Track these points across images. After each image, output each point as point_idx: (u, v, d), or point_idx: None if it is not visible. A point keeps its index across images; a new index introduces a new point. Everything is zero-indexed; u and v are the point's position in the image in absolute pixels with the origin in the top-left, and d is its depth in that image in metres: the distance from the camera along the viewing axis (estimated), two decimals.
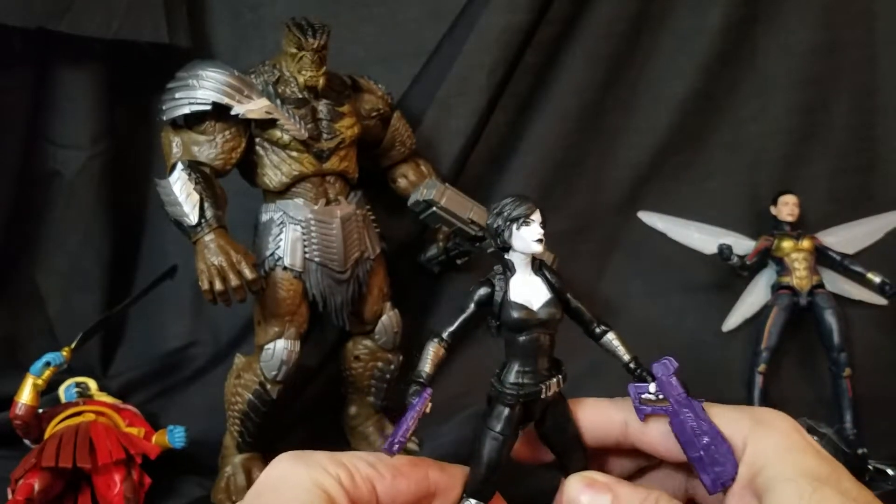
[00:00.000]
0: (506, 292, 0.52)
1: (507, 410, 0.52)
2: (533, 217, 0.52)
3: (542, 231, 0.52)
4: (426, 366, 0.51)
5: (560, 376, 0.53)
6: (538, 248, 0.52)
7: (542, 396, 0.52)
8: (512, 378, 0.52)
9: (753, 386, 0.97)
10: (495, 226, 0.53)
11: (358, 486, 0.47)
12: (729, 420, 0.50)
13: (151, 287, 0.96)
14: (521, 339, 0.52)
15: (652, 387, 0.51)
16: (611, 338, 0.54)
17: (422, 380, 0.51)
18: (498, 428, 0.52)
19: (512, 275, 0.53)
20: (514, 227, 0.52)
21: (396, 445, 0.48)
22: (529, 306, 0.52)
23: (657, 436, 0.52)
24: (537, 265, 0.54)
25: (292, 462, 0.47)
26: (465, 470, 0.53)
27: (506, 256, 0.54)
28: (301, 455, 0.48)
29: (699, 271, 1.05)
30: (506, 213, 0.52)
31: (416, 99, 0.97)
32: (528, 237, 0.52)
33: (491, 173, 1.02)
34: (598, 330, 0.54)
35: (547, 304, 0.52)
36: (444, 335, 0.52)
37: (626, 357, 0.54)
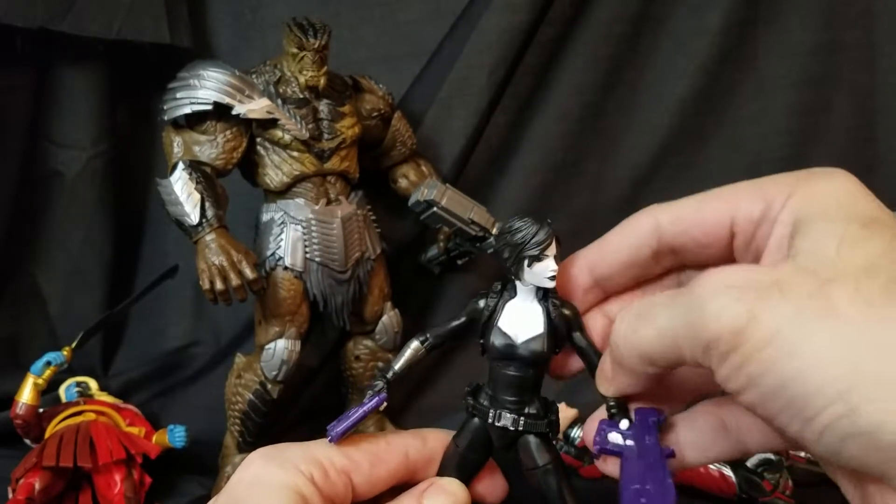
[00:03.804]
0: (493, 314, 0.49)
1: (468, 421, 0.51)
2: (547, 252, 0.47)
3: (556, 267, 0.48)
4: (398, 363, 0.51)
5: (524, 418, 0.49)
6: (551, 285, 0.48)
7: (490, 422, 0.49)
8: (479, 393, 0.51)
9: None
10: (504, 256, 0.48)
11: (333, 483, 0.46)
12: (765, 184, 0.42)
13: (152, 287, 0.96)
14: (493, 364, 0.50)
15: (624, 423, 0.45)
16: None
17: (388, 375, 0.50)
18: (457, 436, 0.51)
19: (511, 297, 0.50)
20: (526, 263, 0.48)
21: (331, 438, 0.47)
22: (513, 338, 0.48)
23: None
24: (541, 293, 0.49)
25: (264, 463, 0.46)
26: (445, 437, 0.52)
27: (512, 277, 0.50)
28: (273, 454, 0.47)
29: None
30: (518, 249, 0.47)
31: (416, 99, 0.96)
32: (540, 273, 0.47)
33: (491, 173, 1.02)
34: None
35: (534, 338, 0.48)
36: (429, 336, 0.51)
37: (613, 401, 0.47)
